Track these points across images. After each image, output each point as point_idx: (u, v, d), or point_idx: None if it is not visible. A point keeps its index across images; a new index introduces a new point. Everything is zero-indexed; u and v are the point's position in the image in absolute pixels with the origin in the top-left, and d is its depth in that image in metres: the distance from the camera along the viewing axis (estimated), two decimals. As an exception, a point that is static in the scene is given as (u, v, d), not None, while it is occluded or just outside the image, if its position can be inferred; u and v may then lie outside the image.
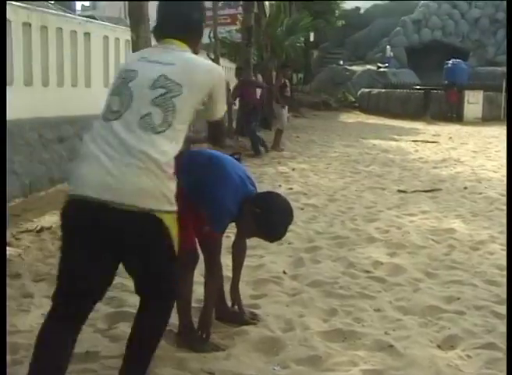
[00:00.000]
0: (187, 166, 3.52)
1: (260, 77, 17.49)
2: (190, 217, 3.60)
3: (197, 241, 3.77)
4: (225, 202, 3.52)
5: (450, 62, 28.47)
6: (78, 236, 2.86)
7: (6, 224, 5.31)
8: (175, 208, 2.85)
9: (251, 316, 4.19)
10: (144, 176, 2.70)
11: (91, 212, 2.75)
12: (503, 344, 3.89)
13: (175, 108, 2.82)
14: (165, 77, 2.84)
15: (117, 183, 2.70)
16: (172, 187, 2.83)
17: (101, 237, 2.79)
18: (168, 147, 2.78)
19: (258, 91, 14.70)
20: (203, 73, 2.97)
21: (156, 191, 2.73)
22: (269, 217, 3.58)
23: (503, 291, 4.89)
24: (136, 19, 8.46)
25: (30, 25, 8.11)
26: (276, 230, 3.70)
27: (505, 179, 10.49)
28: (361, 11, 42.39)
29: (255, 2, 18.11)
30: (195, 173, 3.53)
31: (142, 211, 2.71)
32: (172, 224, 2.85)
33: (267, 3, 22.90)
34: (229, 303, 4.20)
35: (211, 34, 16.04)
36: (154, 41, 10.14)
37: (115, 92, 2.92)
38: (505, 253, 6.00)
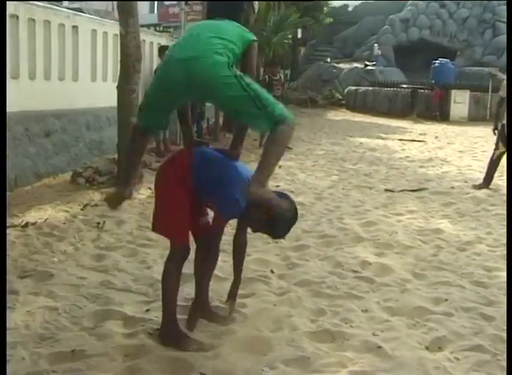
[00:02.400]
0: (200, 163, 3.70)
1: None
2: (190, 213, 3.72)
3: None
4: (235, 194, 3.55)
5: (437, 61, 28.57)
6: None
7: (6, 224, 5.27)
8: None
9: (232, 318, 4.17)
10: None
11: None
12: (490, 346, 3.90)
13: None
14: None
15: None
16: None
17: None
18: None
19: None
20: None
21: None
22: (277, 218, 3.55)
23: (490, 293, 4.90)
24: (125, 14, 8.40)
25: (17, 17, 8.03)
26: (281, 230, 3.70)
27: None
28: (349, 8, 42.45)
29: (244, -1, 18.03)
30: (208, 170, 3.67)
31: None
32: None
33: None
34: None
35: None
36: (143, 36, 10.02)
37: None
38: (492, 254, 6.03)
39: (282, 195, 3.77)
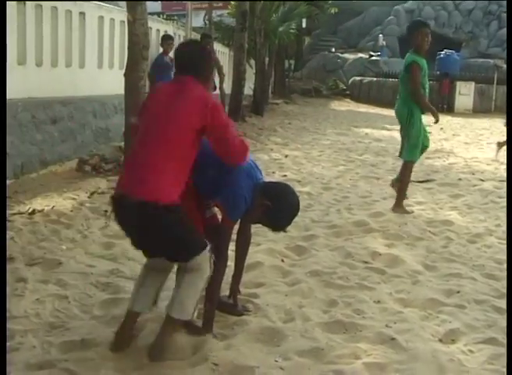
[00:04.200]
0: (201, 166, 3.52)
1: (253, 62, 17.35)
2: (197, 212, 3.65)
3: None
4: (241, 190, 3.51)
5: (443, 52, 28.44)
6: None
7: (5, 224, 5.23)
8: None
9: (244, 308, 4.13)
10: None
11: None
12: (504, 339, 3.85)
13: None
14: None
15: None
16: None
17: None
18: None
19: None
20: None
21: None
22: (277, 208, 3.57)
23: (502, 286, 4.86)
24: (132, 0, 8.32)
25: (24, 3, 7.96)
26: (282, 221, 3.71)
27: (498, 171, 10.51)
28: (355, -1, 42.23)
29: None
30: (207, 166, 3.53)
31: None
32: None
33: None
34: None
35: (206, 18, 15.90)
36: (150, 24, 9.96)
37: None
38: (502, 247, 5.98)
39: (285, 186, 3.73)
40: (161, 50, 12.06)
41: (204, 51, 3.64)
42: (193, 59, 3.51)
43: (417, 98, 7.03)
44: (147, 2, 8.20)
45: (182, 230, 3.27)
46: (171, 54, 12.50)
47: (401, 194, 7.20)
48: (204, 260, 3.37)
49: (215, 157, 3.51)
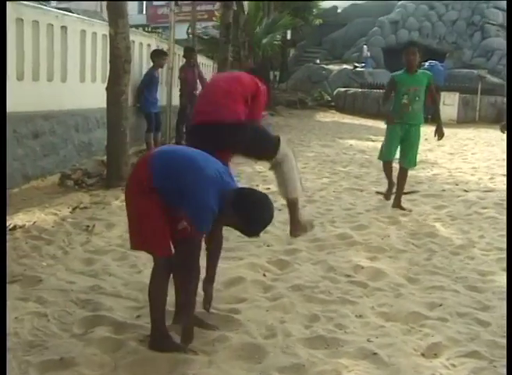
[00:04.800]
0: (161, 169, 3.50)
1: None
2: (165, 222, 3.57)
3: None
4: (207, 201, 3.41)
5: (427, 63, 28.57)
6: None
7: (5, 224, 5.18)
8: None
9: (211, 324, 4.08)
10: None
11: None
12: (487, 352, 3.85)
13: None
14: None
15: None
16: None
17: None
18: None
19: None
20: None
21: None
22: (249, 213, 3.49)
23: (485, 298, 4.86)
24: (114, 14, 8.33)
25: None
26: (253, 230, 3.63)
27: (482, 182, 10.55)
28: (339, 10, 42.38)
29: (234, -1, 17.98)
30: (171, 179, 3.49)
31: None
32: None
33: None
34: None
35: (189, 30, 15.90)
36: (133, 37, 9.94)
37: None
38: (485, 258, 5.99)
39: (256, 195, 3.69)
40: (150, 64, 12.05)
41: None
42: None
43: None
44: (132, 15, 8.20)
45: None
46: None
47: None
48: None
49: (180, 166, 3.50)
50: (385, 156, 8.37)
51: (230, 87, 4.54)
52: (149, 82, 11.69)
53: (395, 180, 8.33)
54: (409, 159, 8.15)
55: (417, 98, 7.94)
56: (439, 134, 8.10)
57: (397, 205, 8.14)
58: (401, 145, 8.17)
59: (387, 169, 8.48)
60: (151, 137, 11.80)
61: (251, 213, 3.50)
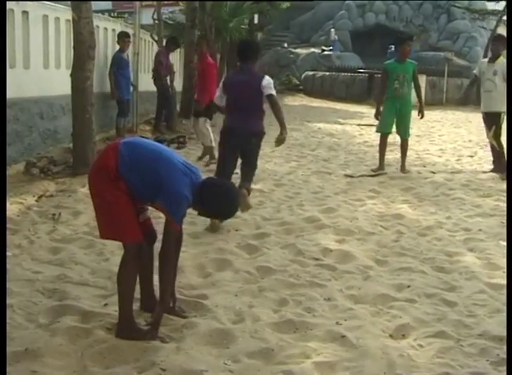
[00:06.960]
0: (128, 159, 3.52)
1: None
2: (133, 209, 3.59)
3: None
4: (183, 191, 3.49)
5: (394, 46, 28.66)
6: None
7: (5, 223, 5.08)
8: None
9: (180, 310, 4.05)
10: None
11: None
12: (453, 332, 3.89)
13: None
14: None
15: None
16: None
17: None
18: None
19: None
20: None
21: None
22: (213, 204, 3.65)
23: (452, 278, 4.91)
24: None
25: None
26: (221, 214, 3.98)
27: (449, 163, 10.63)
28: (306, -7, 42.29)
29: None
30: (141, 171, 3.54)
31: None
32: None
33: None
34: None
35: (155, 15, 15.72)
36: (97, 22, 9.79)
37: None
38: (452, 239, 6.04)
39: (223, 185, 3.82)
40: (117, 47, 11.91)
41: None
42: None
43: None
44: (98, 2, 8.09)
45: None
46: (129, 51, 12.36)
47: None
48: None
49: (151, 159, 3.55)
50: (383, 128, 9.68)
51: None
52: (118, 65, 11.55)
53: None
54: (404, 128, 9.64)
55: (405, 83, 9.31)
56: (422, 114, 9.74)
57: (402, 169, 9.60)
58: (396, 118, 9.46)
59: (382, 144, 9.76)
60: (122, 123, 11.71)
61: (214, 204, 3.64)
